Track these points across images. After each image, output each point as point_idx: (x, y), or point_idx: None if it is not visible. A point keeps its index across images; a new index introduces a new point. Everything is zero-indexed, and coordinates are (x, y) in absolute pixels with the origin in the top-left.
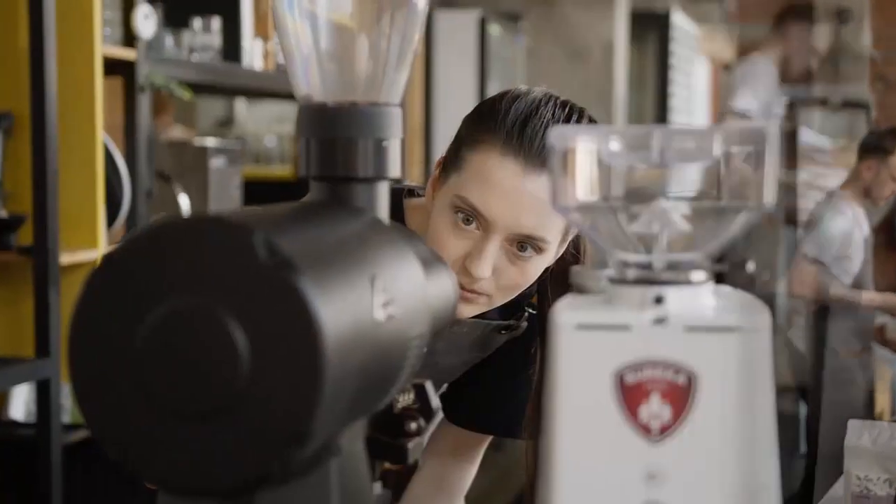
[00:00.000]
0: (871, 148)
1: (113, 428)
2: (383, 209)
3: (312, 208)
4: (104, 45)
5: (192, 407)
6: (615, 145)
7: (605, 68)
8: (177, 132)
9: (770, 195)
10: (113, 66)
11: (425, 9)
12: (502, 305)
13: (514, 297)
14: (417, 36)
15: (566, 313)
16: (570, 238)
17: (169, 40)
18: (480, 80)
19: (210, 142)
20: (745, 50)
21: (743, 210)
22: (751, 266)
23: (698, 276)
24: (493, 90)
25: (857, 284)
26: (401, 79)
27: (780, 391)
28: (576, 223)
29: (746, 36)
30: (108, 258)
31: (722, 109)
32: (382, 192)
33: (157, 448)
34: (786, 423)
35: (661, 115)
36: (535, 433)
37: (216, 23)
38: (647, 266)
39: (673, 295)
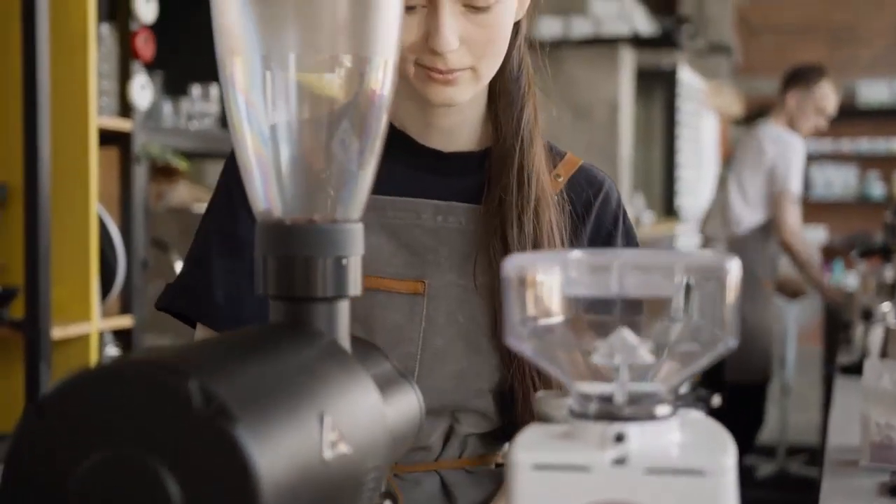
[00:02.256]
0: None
1: None
2: (343, 328)
3: (264, 336)
4: (100, 116)
5: None
6: (574, 274)
7: (610, 127)
8: (183, 191)
9: (733, 330)
10: (109, 137)
11: (384, 115)
12: None
13: (500, 60)
14: (378, 144)
15: (523, 452)
16: None
17: (168, 107)
18: None
19: None
20: (752, 105)
21: (706, 345)
22: (716, 400)
23: (662, 410)
24: None
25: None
26: (361, 192)
27: None
28: (533, 353)
29: (754, 89)
30: (40, 404)
31: (776, 191)
32: (343, 310)
33: None
34: None
35: (669, 169)
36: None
37: (215, 90)
38: (609, 398)
39: (635, 431)
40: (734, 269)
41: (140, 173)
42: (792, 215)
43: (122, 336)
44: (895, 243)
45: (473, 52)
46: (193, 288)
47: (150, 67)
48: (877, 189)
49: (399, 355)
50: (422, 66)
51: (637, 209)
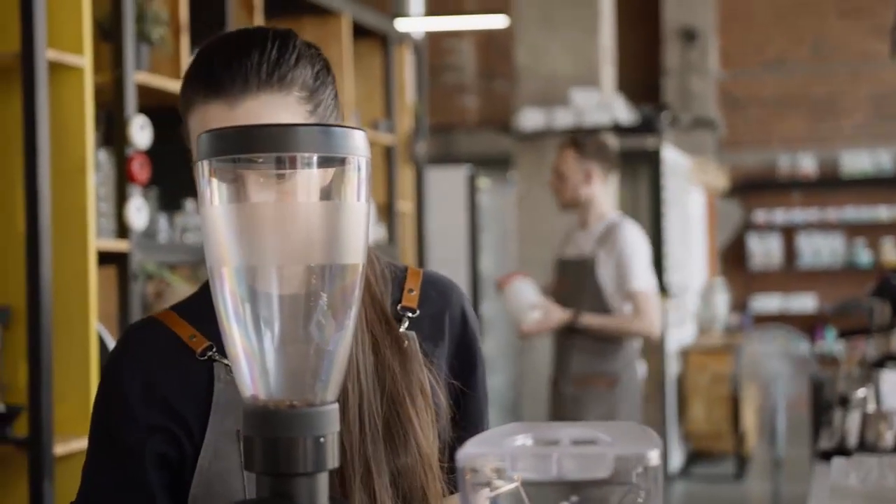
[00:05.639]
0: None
1: None
2: (323, 498)
3: None
4: (99, 238)
5: None
6: (520, 461)
7: None
8: (181, 291)
9: None
10: (107, 256)
11: (356, 306)
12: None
13: None
14: (350, 332)
15: None
16: None
17: (163, 222)
18: (472, 230)
19: None
20: (738, 177)
21: None
22: None
23: None
24: (485, 239)
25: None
26: (336, 376)
27: None
28: None
29: (740, 162)
30: None
31: None
32: (322, 482)
33: None
34: None
35: (657, 247)
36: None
37: None
38: None
39: None
40: (655, 456)
41: (137, 291)
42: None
43: None
44: (875, 324)
45: None
46: None
47: (146, 185)
48: (864, 256)
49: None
50: None
51: None
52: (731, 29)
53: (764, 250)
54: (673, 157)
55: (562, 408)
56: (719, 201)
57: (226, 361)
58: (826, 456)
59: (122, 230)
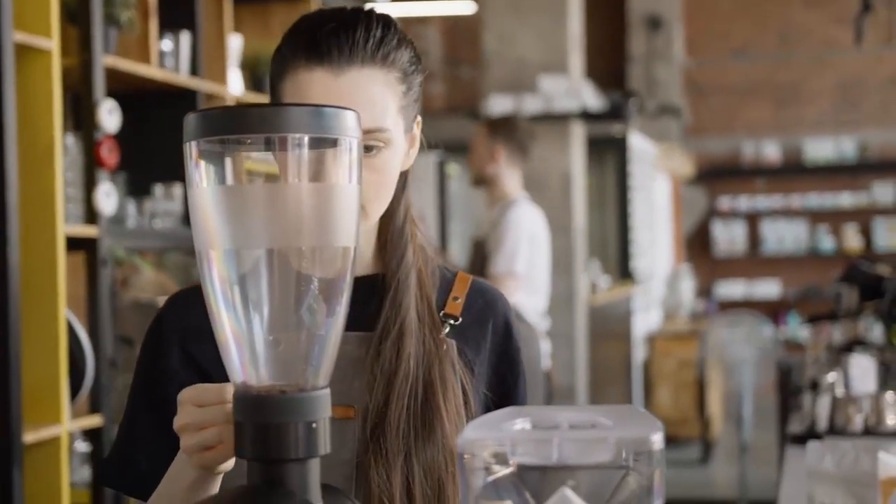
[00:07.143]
0: None
1: None
2: (314, 485)
3: (241, 500)
4: (67, 224)
5: None
6: (520, 446)
7: (563, 198)
8: (149, 277)
9: (661, 493)
10: (75, 242)
11: (348, 291)
12: None
13: (386, 202)
14: (342, 318)
15: None
16: (417, 120)
17: (132, 208)
18: (441, 218)
19: None
20: (703, 164)
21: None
22: None
23: None
24: (454, 227)
25: None
26: (328, 361)
27: None
28: None
29: (705, 149)
30: None
31: None
32: (314, 468)
33: None
34: None
35: (623, 233)
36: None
37: (178, 189)
38: None
39: None
40: (658, 440)
41: (106, 275)
42: None
43: (91, 434)
44: (842, 310)
45: (363, 193)
46: (119, 460)
47: (114, 170)
48: (827, 243)
49: (334, 479)
50: None
51: (593, 275)
52: (696, 17)
53: (728, 237)
54: (639, 144)
55: None
56: (684, 188)
57: None
58: (797, 440)
59: (91, 216)
